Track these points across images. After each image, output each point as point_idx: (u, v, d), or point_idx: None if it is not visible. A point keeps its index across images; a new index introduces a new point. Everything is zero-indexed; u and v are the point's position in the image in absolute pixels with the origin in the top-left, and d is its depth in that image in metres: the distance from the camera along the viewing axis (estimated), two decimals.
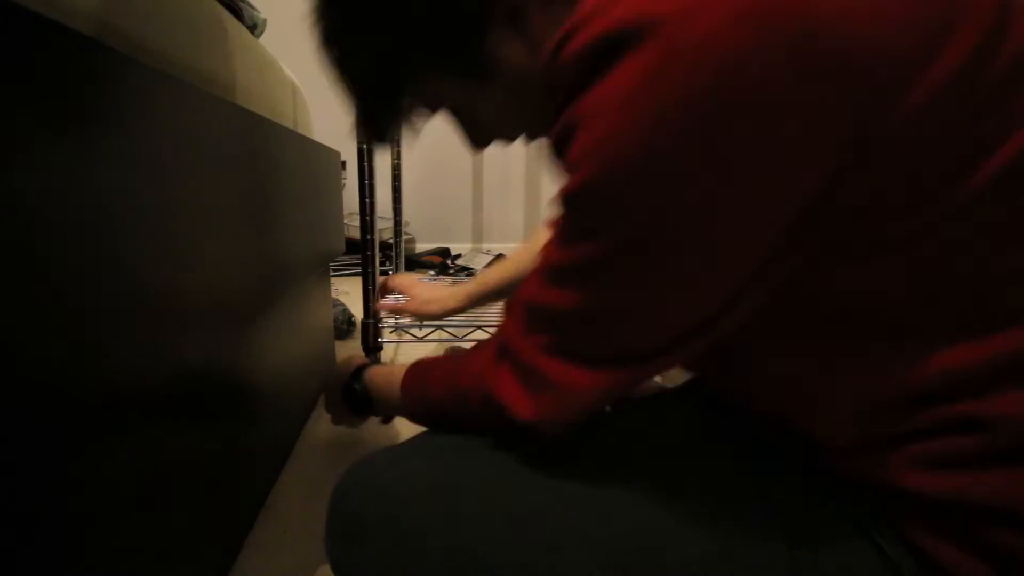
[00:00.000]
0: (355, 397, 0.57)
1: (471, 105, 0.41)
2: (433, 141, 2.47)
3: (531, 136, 0.44)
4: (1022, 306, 0.28)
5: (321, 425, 0.98)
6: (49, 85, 0.30)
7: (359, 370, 0.59)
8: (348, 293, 1.84)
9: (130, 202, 0.38)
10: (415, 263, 2.45)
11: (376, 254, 0.98)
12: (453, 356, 0.46)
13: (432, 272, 2.31)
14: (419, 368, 0.48)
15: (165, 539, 0.46)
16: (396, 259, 1.63)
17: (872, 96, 0.25)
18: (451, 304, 0.85)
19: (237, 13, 0.75)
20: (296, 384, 0.92)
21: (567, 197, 0.30)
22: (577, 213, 0.31)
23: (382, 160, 1.10)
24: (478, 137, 0.44)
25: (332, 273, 1.32)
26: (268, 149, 0.71)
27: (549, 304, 0.34)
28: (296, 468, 0.84)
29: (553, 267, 0.34)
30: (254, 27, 0.85)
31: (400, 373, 0.49)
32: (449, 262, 2.41)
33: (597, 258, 0.30)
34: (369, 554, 0.36)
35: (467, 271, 2.29)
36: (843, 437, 0.33)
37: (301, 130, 1.01)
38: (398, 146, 1.53)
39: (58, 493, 0.32)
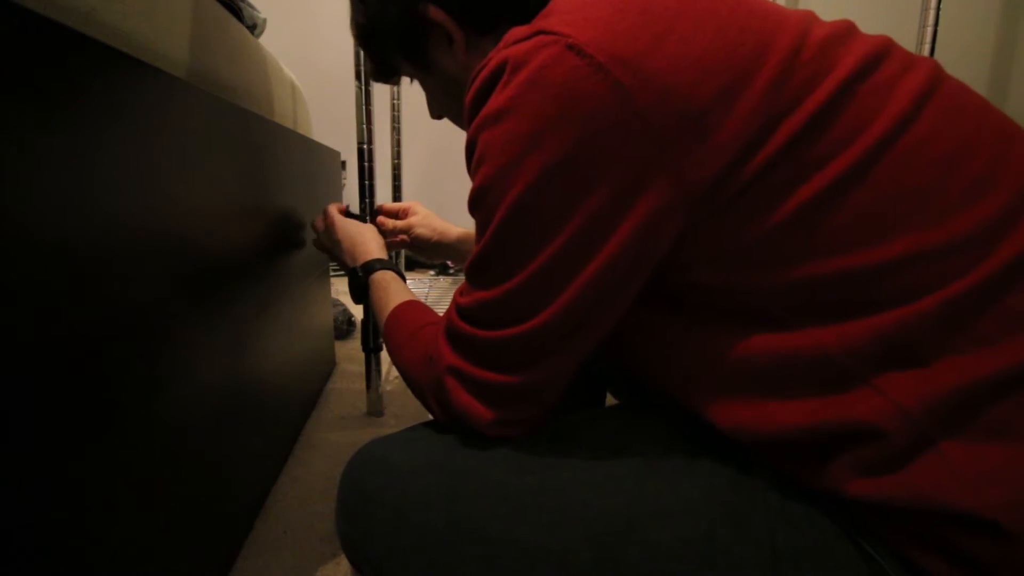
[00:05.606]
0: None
1: (423, 83, 0.54)
2: (433, 142, 2.47)
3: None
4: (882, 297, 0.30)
5: (321, 425, 0.98)
6: (48, 84, 0.30)
7: (373, 265, 0.63)
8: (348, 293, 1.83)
9: (129, 202, 0.38)
10: (415, 263, 2.45)
11: None
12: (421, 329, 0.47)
13: (432, 272, 2.31)
14: (400, 322, 0.51)
15: (165, 539, 0.46)
16: (395, 259, 1.63)
17: (687, 137, 0.30)
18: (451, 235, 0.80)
19: (237, 13, 0.75)
20: (296, 384, 0.92)
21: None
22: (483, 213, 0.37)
23: (382, 160, 1.10)
24: (430, 108, 0.56)
25: (332, 273, 1.32)
26: (268, 149, 0.71)
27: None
28: (296, 468, 0.84)
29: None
30: (254, 27, 0.85)
31: (392, 307, 0.54)
32: (449, 263, 2.41)
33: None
34: (373, 524, 0.38)
35: None
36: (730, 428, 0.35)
37: (301, 130, 1.01)
38: (398, 146, 1.53)
39: (58, 493, 0.32)
